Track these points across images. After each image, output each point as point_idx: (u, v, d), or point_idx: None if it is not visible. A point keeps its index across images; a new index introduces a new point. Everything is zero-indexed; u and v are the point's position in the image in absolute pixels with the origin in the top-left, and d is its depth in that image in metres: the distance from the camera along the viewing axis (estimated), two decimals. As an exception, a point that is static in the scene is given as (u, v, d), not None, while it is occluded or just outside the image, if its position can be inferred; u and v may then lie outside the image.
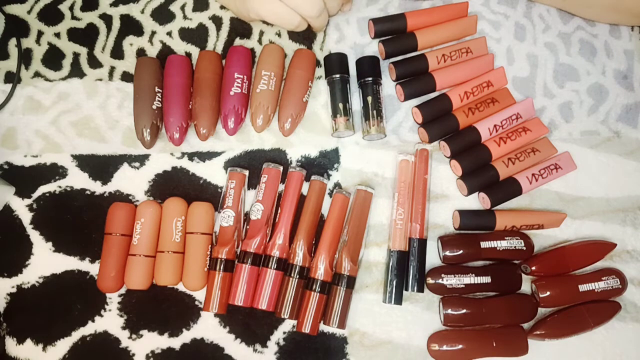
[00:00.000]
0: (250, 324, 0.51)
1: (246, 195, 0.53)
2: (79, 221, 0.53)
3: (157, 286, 0.51)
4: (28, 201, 0.54)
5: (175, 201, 0.52)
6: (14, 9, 0.58)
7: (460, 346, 0.49)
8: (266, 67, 0.53)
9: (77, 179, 0.54)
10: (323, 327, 0.51)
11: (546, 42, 0.58)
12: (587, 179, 0.55)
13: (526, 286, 0.52)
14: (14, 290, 0.52)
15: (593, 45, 0.58)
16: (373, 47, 0.58)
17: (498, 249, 0.51)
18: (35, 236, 0.53)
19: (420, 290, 0.51)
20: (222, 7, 0.58)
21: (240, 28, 0.58)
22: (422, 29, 0.56)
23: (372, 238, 0.53)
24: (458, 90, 0.55)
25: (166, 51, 0.57)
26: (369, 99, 0.54)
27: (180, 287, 0.52)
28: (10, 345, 0.51)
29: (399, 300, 0.51)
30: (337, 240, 0.51)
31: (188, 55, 0.57)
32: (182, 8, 0.58)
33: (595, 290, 0.50)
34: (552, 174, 0.53)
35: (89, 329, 0.51)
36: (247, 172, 0.53)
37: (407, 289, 0.51)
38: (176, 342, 0.51)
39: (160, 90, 0.53)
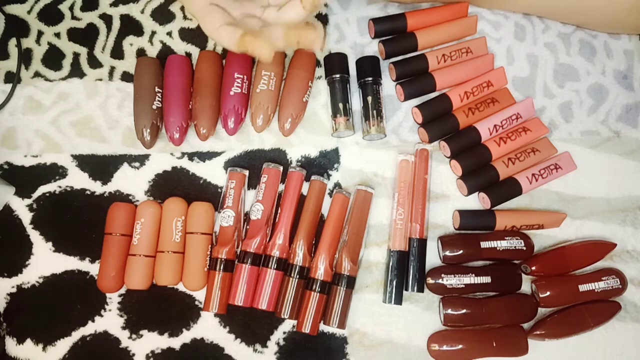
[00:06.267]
0: (250, 324, 0.51)
1: (246, 195, 0.53)
2: (79, 221, 0.53)
3: (157, 286, 0.51)
4: (28, 201, 0.54)
5: (175, 201, 0.52)
6: (14, 9, 0.58)
7: (460, 346, 0.49)
8: (266, 67, 0.53)
9: (77, 179, 0.54)
10: (323, 327, 0.51)
11: (546, 42, 0.58)
12: (587, 179, 0.55)
13: (526, 286, 0.52)
14: (14, 290, 0.52)
15: (593, 45, 0.58)
16: (373, 47, 0.58)
17: (498, 249, 0.51)
18: (35, 236, 0.53)
19: (420, 290, 0.51)
20: None
21: (240, 28, 0.58)
22: (422, 29, 0.56)
23: (372, 238, 0.53)
24: (458, 90, 0.55)
25: (166, 51, 0.57)
26: (369, 99, 0.54)
27: (180, 287, 0.52)
28: (10, 345, 0.51)
29: (399, 300, 0.51)
30: (337, 240, 0.51)
31: (188, 55, 0.57)
32: (182, 8, 0.58)
33: (595, 290, 0.50)
34: (552, 174, 0.53)
35: (89, 329, 0.51)
36: (247, 172, 0.53)
37: (407, 289, 0.51)
38: (176, 342, 0.51)
39: (160, 90, 0.53)
